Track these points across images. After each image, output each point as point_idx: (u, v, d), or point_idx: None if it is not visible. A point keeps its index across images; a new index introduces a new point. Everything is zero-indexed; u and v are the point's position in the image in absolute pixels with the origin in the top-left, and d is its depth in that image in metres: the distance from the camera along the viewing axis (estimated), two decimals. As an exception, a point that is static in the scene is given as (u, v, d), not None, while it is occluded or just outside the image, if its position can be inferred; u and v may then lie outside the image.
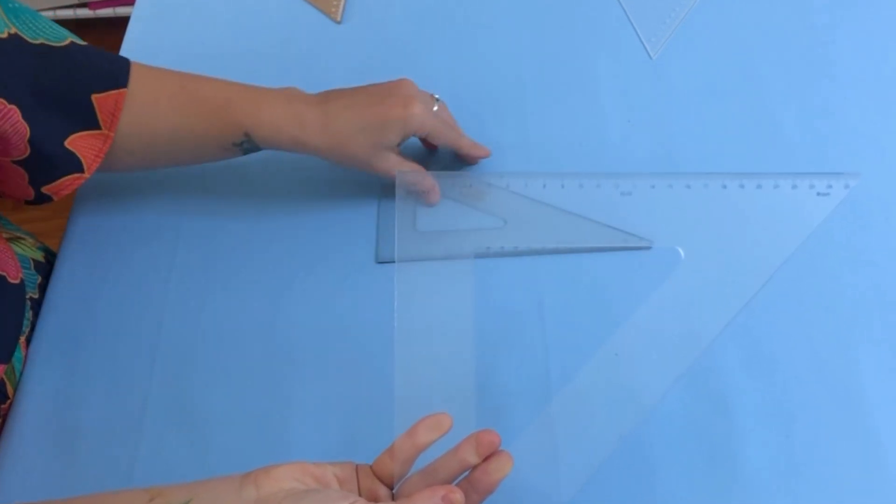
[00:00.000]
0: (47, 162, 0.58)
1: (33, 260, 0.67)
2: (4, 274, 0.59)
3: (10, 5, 0.55)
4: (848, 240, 0.64)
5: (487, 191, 0.61)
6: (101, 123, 0.58)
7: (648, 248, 0.49)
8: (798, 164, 0.67)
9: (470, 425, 0.46)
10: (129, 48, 0.78)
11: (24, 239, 0.69)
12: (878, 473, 0.56)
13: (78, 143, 0.58)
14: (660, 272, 0.53)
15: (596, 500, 0.55)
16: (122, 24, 0.81)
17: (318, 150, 0.60)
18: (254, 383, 0.60)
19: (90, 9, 1.64)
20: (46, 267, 0.68)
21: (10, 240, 0.66)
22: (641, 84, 0.74)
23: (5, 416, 0.60)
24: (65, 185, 0.60)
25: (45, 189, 0.60)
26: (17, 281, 0.61)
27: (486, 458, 0.44)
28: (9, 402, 0.60)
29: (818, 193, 0.46)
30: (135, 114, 0.59)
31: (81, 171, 0.59)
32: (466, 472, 0.45)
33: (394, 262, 0.62)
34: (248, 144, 0.60)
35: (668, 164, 0.68)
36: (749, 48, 0.75)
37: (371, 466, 0.45)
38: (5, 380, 0.60)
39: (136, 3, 0.82)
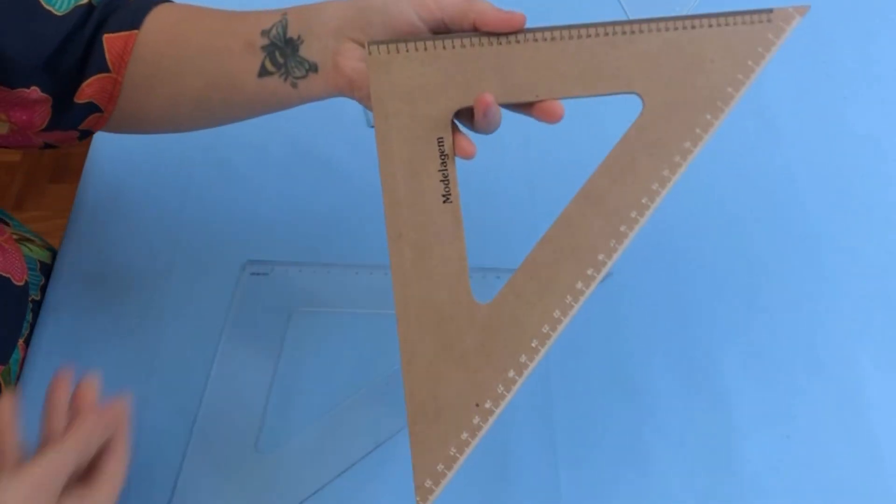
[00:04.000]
0: (67, 115, 0.56)
1: (40, 262, 0.67)
2: (9, 276, 0.59)
3: None
4: (847, 240, 0.64)
5: None
6: (109, 65, 0.55)
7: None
8: (799, 167, 0.68)
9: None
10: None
11: (32, 240, 0.69)
12: (877, 473, 0.56)
13: (87, 91, 0.55)
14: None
15: (596, 499, 0.55)
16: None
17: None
18: (251, 380, 0.60)
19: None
20: (51, 268, 0.69)
21: (18, 241, 0.66)
22: (641, 84, 0.73)
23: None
24: (91, 122, 0.57)
25: (81, 127, 0.57)
26: (21, 283, 0.61)
27: None
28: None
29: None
30: (155, 42, 0.55)
31: (100, 111, 0.56)
32: None
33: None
34: (278, 30, 0.51)
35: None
36: (749, 48, 0.75)
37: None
38: (1, 382, 0.60)
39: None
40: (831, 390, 0.59)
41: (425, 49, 0.47)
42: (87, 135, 0.59)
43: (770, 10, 0.48)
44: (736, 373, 0.59)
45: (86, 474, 0.46)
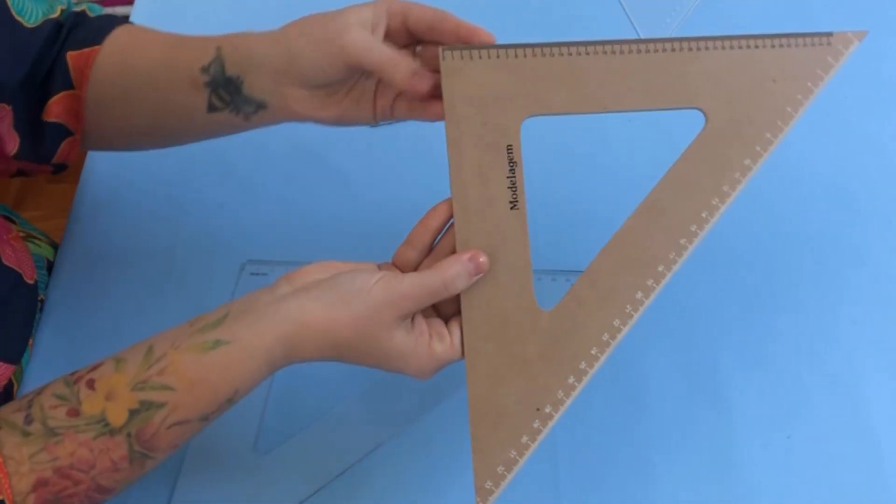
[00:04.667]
0: (37, 140, 0.56)
1: (47, 259, 0.67)
2: (21, 272, 0.59)
3: None
4: (848, 239, 0.64)
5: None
6: (73, 82, 0.55)
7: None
8: (800, 167, 0.68)
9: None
10: (129, 47, 0.78)
11: (38, 238, 0.69)
12: (877, 474, 0.56)
13: (55, 110, 0.55)
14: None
15: (596, 499, 0.55)
16: (121, 23, 0.81)
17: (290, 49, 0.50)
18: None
19: (89, 8, 1.64)
20: None
21: (25, 238, 0.66)
22: (641, 84, 0.73)
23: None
24: (64, 151, 0.57)
25: (54, 161, 0.58)
26: (32, 281, 0.61)
27: None
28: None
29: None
30: (108, 65, 0.55)
31: (71, 134, 0.57)
32: None
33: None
34: (216, 68, 0.50)
35: (669, 165, 0.68)
36: (749, 48, 0.75)
37: (392, 261, 0.49)
38: (13, 381, 0.60)
39: (136, 3, 0.82)
40: (832, 391, 0.59)
41: (497, 56, 0.48)
42: (61, 169, 0.59)
43: (830, 34, 0.49)
44: (736, 373, 0.59)
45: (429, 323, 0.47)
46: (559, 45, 0.48)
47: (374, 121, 0.52)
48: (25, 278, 0.59)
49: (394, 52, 0.47)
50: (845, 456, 0.56)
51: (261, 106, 0.50)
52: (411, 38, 0.50)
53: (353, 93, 0.51)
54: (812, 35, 0.48)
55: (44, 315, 0.64)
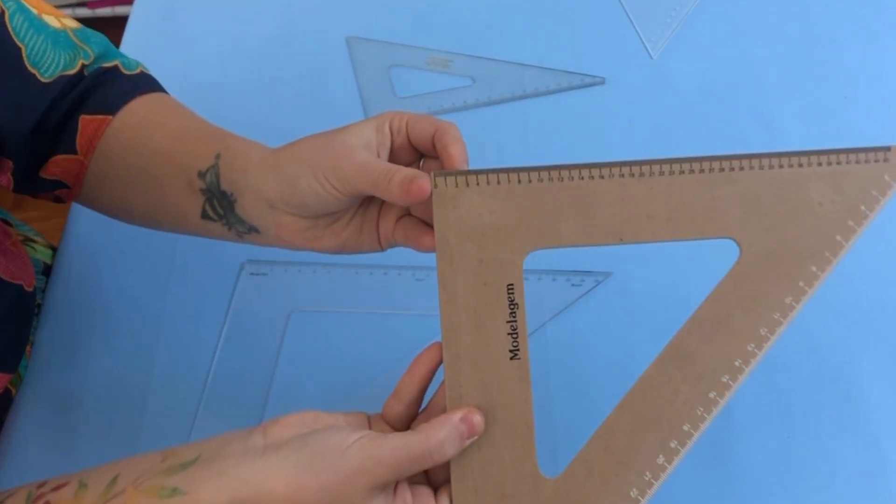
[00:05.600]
0: (33, 186, 0.55)
1: (44, 263, 0.67)
2: (21, 283, 0.58)
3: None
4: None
5: (451, 57, 0.64)
6: (77, 148, 0.53)
7: None
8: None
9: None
10: (128, 48, 0.78)
11: (35, 240, 0.68)
12: (877, 473, 0.56)
13: (53, 169, 0.54)
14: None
15: (596, 500, 0.55)
16: (121, 23, 0.81)
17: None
18: (250, 381, 0.60)
19: (89, 7, 1.64)
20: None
21: (23, 241, 0.65)
22: (642, 84, 0.73)
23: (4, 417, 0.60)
24: (62, 194, 0.57)
25: (56, 193, 0.57)
26: (31, 290, 0.60)
27: None
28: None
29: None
30: (117, 140, 0.53)
31: (68, 187, 0.55)
32: None
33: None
34: (211, 178, 0.48)
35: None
36: (749, 48, 0.75)
37: (381, 414, 0.44)
38: (11, 388, 0.59)
39: (135, 2, 0.82)
40: (832, 390, 0.59)
41: (497, 182, 0.42)
42: (61, 201, 0.57)
43: (887, 149, 0.42)
44: (736, 373, 0.59)
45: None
46: (568, 167, 0.42)
47: (381, 248, 0.48)
48: (26, 288, 0.59)
49: (388, 165, 0.43)
50: (845, 456, 0.56)
51: (253, 230, 0.47)
52: (417, 154, 0.46)
53: (355, 220, 0.47)
54: (866, 150, 0.42)
55: (43, 315, 0.64)
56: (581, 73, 0.74)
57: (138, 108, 0.53)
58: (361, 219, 0.47)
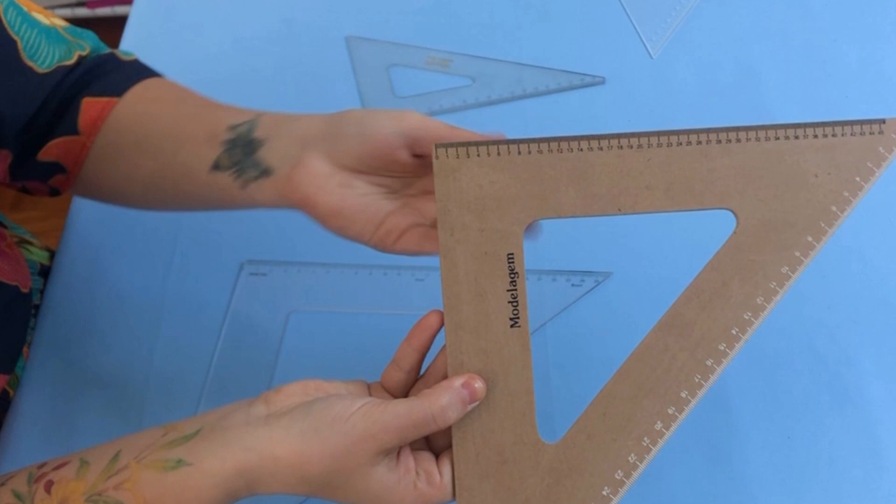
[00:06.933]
0: (27, 171, 0.56)
1: (40, 264, 0.67)
2: (17, 284, 0.58)
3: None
4: (848, 239, 0.64)
5: (451, 57, 0.64)
6: (79, 128, 0.53)
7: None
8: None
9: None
10: (127, 47, 0.78)
11: (30, 242, 0.68)
12: (878, 473, 0.56)
13: (53, 151, 0.54)
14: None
15: (596, 500, 0.55)
16: (120, 22, 0.81)
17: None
18: (250, 381, 0.60)
19: (88, 7, 1.64)
20: (49, 270, 0.68)
21: (18, 243, 0.65)
22: (641, 84, 0.73)
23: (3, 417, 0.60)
24: (56, 181, 0.57)
25: (50, 183, 0.57)
26: (27, 291, 0.60)
27: None
28: (9, 407, 0.60)
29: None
30: (127, 114, 0.53)
31: (64, 171, 0.56)
32: None
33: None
34: (245, 128, 0.49)
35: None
36: (749, 48, 0.75)
37: (380, 382, 0.45)
38: (8, 389, 0.59)
39: (135, 2, 0.82)
40: (832, 390, 0.59)
41: (498, 154, 0.43)
42: (57, 192, 0.58)
43: (882, 121, 0.43)
44: (736, 372, 0.59)
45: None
46: (568, 139, 0.43)
47: (370, 241, 0.47)
48: (22, 289, 0.59)
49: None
50: (845, 456, 0.56)
51: (264, 173, 0.47)
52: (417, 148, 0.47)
53: (372, 195, 0.47)
54: (861, 122, 0.43)
55: (42, 315, 0.64)
56: (581, 73, 0.74)
57: (153, 86, 0.54)
58: (376, 198, 0.47)
